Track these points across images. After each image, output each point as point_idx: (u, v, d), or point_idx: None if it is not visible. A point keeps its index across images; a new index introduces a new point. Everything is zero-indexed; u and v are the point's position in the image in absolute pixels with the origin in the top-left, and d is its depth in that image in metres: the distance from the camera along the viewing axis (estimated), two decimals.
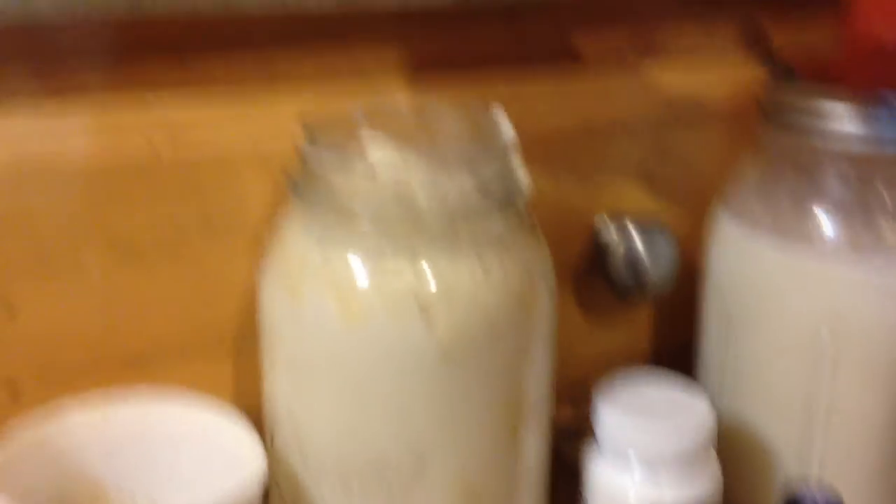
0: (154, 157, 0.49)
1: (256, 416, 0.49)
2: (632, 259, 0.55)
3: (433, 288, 0.42)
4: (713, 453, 0.47)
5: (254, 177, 0.51)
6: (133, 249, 0.50)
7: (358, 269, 0.42)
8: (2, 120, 0.47)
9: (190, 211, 0.50)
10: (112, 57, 0.49)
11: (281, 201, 0.51)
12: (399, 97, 0.49)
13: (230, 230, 0.51)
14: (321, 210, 0.43)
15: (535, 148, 0.52)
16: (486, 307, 0.42)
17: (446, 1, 0.49)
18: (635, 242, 0.54)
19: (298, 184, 0.44)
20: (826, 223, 0.48)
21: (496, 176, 0.43)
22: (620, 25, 0.59)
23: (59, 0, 0.43)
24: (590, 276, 0.58)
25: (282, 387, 0.46)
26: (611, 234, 0.55)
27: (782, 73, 0.51)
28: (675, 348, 0.60)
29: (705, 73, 0.57)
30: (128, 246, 0.50)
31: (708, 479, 0.46)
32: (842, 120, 0.47)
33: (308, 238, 0.44)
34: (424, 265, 0.42)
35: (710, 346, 0.56)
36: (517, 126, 0.46)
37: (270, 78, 0.51)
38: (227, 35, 0.50)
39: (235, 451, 0.46)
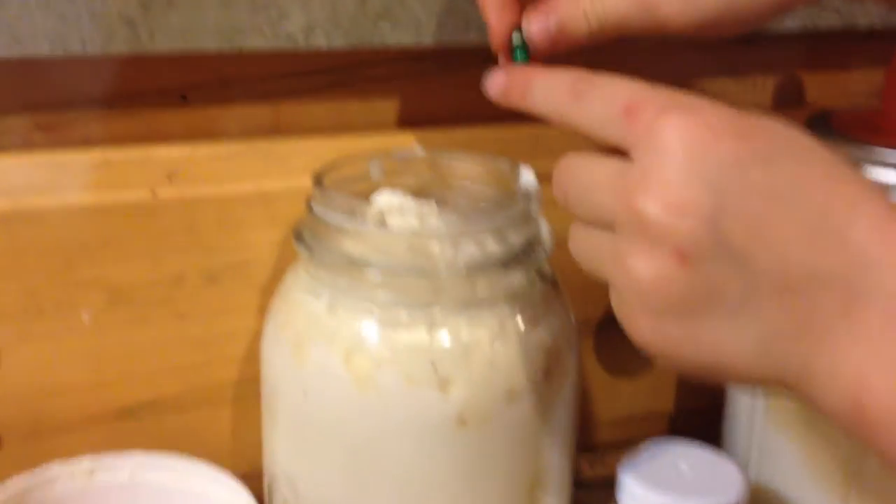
0: (153, 199, 0.46)
1: (256, 471, 0.46)
2: None
3: (449, 347, 0.39)
4: None
5: (258, 223, 0.48)
6: (128, 296, 0.47)
7: (367, 325, 0.39)
8: None
9: (189, 256, 0.47)
10: (110, 95, 0.46)
11: (287, 249, 0.49)
12: (416, 147, 0.46)
13: (232, 277, 0.48)
14: (329, 262, 0.40)
15: None
16: (505, 368, 0.39)
17: (467, 39, 0.46)
18: None
19: (306, 234, 0.41)
20: None
21: (517, 229, 0.40)
22: (651, 76, 0.56)
23: (55, 36, 0.41)
24: (613, 331, 0.54)
25: (282, 446, 0.43)
26: None
27: (821, 126, 0.48)
28: (701, 408, 0.57)
29: None
30: (122, 292, 0.47)
31: None
32: (883, 167, 0.44)
33: (315, 291, 0.41)
34: (440, 322, 0.39)
35: (737, 410, 0.52)
36: (541, 172, 0.43)
37: (278, 122, 0.49)
38: (233, 76, 0.47)
39: None
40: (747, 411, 0.51)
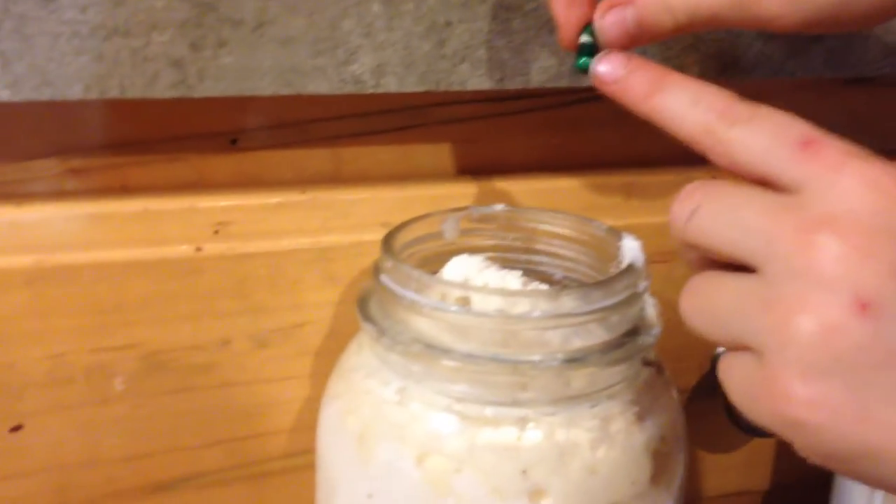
0: (197, 255, 0.41)
1: None
2: None
3: (542, 451, 0.33)
4: None
5: (314, 282, 0.43)
6: (167, 362, 0.42)
7: (445, 421, 0.34)
8: (22, 210, 0.39)
9: (236, 319, 0.42)
10: (151, 138, 0.41)
11: (344, 310, 0.43)
12: (498, 205, 0.40)
13: (282, 342, 0.43)
14: (401, 344, 0.34)
15: (656, 251, 0.44)
16: (607, 476, 0.34)
17: (557, 82, 0.41)
18: None
19: (373, 308, 0.36)
20: None
21: (621, 311, 0.35)
22: None
23: (90, 79, 0.36)
24: (704, 401, 0.49)
25: None
26: None
27: None
28: (801, 483, 0.51)
29: None
30: (161, 357, 0.42)
31: None
32: None
33: (382, 376, 0.35)
34: (531, 421, 0.33)
35: (851, 489, 0.47)
36: (633, 226, 0.38)
37: (339, 168, 0.43)
38: (288, 117, 0.42)
39: None
40: (866, 493, 0.46)
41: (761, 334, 0.27)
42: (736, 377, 0.28)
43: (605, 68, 0.33)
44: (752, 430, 0.48)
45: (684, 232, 0.29)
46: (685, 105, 0.30)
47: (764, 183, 0.28)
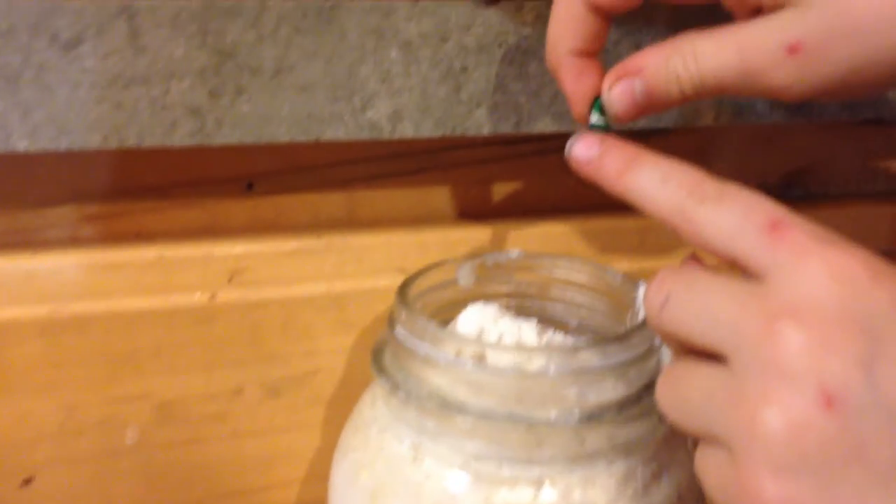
0: (211, 303, 0.41)
1: None
2: None
3: None
4: None
5: (328, 328, 0.42)
6: (179, 411, 0.42)
7: (459, 481, 0.33)
8: (37, 259, 0.39)
9: (249, 367, 0.42)
10: (166, 184, 0.41)
11: (358, 356, 0.43)
12: (513, 251, 0.40)
13: (296, 390, 0.43)
14: (416, 400, 0.34)
15: None
16: None
17: (572, 126, 0.40)
18: None
19: (387, 361, 0.35)
20: None
21: (638, 365, 0.34)
22: (767, 159, 0.50)
23: (108, 128, 0.36)
24: None
25: None
26: None
27: None
28: None
29: (863, 213, 0.48)
30: (173, 407, 0.41)
31: None
32: None
33: (398, 431, 0.35)
34: (545, 481, 0.33)
35: None
36: (647, 270, 0.37)
37: (353, 213, 0.43)
38: (303, 161, 0.42)
39: None
40: None
41: (730, 429, 0.26)
42: (711, 474, 0.27)
43: (579, 150, 0.32)
44: None
45: (659, 321, 0.29)
46: (655, 183, 0.30)
47: (734, 264, 0.28)
